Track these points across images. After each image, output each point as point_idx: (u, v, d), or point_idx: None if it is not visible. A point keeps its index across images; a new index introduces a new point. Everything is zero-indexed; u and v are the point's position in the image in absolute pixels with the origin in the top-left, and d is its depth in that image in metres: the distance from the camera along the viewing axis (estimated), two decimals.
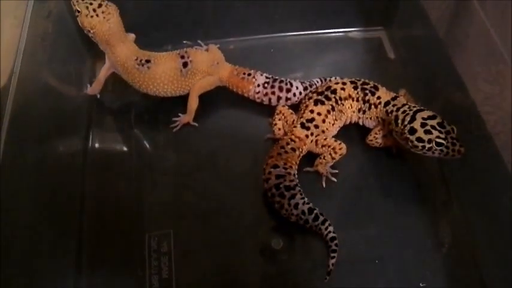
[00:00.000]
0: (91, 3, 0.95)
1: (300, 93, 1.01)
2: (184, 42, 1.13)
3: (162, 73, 0.97)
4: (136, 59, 0.97)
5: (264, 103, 1.02)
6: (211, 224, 0.90)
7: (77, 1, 0.95)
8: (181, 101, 1.01)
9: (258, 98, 1.02)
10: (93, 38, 0.98)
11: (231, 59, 1.05)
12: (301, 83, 1.02)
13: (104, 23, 0.95)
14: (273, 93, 1.01)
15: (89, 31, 0.96)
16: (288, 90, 1.01)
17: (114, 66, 1.00)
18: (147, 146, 1.01)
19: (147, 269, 0.84)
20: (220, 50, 1.06)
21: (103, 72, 1.02)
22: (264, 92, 1.01)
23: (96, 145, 1.01)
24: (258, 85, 1.01)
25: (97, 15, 0.94)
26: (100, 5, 0.95)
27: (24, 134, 0.83)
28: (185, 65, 0.98)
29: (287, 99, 1.01)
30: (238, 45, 1.16)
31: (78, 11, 0.95)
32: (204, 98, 1.02)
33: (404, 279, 0.84)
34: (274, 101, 1.01)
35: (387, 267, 0.85)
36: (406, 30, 1.17)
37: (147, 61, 0.97)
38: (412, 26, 1.14)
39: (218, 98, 1.04)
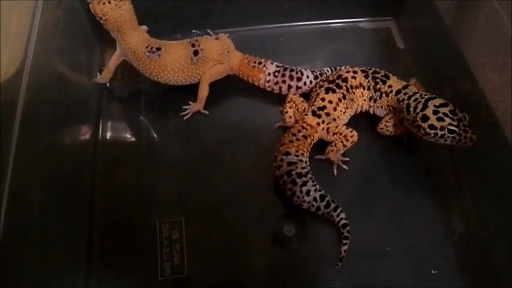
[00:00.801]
0: None
1: (311, 82, 1.01)
2: (194, 31, 1.13)
3: (173, 61, 0.97)
4: (147, 47, 0.97)
5: (275, 92, 1.02)
6: (222, 212, 0.90)
7: None
8: (191, 89, 1.01)
9: (269, 86, 1.02)
10: (105, 25, 0.97)
11: (240, 48, 1.05)
12: (312, 71, 1.02)
13: (116, 9, 0.95)
14: (284, 81, 1.00)
15: (101, 18, 0.96)
16: (299, 79, 1.01)
17: (124, 54, 1.00)
18: (157, 134, 1.01)
19: (158, 256, 0.85)
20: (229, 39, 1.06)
21: (113, 61, 1.02)
22: (275, 81, 1.01)
23: (107, 133, 1.01)
24: (269, 74, 1.01)
25: (109, 2, 0.94)
26: None
27: (37, 122, 0.83)
28: (196, 53, 0.98)
29: (298, 88, 1.01)
30: (247, 34, 1.16)
31: None
32: (214, 86, 1.01)
33: (416, 266, 0.84)
34: (284, 90, 1.01)
35: (398, 255, 0.85)
36: (416, 20, 1.16)
37: (158, 49, 0.97)
38: (421, 16, 1.14)
39: (228, 86, 1.05)
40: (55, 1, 0.99)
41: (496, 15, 0.88)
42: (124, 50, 0.99)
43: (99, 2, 0.94)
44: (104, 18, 0.95)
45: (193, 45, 0.98)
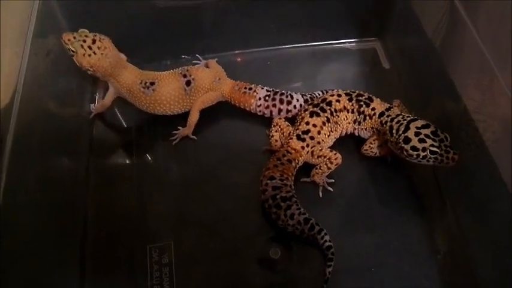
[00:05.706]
0: (84, 41, 0.94)
1: (301, 105, 1.02)
2: (183, 56, 1.15)
3: (167, 94, 0.99)
4: (141, 83, 0.99)
5: (266, 116, 1.04)
6: (211, 236, 0.92)
7: (69, 40, 0.94)
8: (180, 114, 1.03)
9: (260, 111, 1.03)
10: (94, 74, 0.98)
11: (229, 71, 1.07)
12: (302, 95, 1.03)
13: (103, 59, 0.95)
14: (274, 105, 1.02)
15: (88, 70, 0.96)
16: (289, 103, 1.02)
17: (119, 92, 1.02)
18: (148, 158, 1.03)
19: (148, 280, 0.86)
20: (218, 63, 1.08)
21: (109, 98, 1.03)
22: (266, 105, 1.02)
23: (98, 159, 1.03)
24: (259, 98, 1.02)
25: (94, 53, 0.94)
26: (94, 41, 0.94)
27: (27, 150, 0.85)
28: (188, 83, 1.00)
29: (288, 111, 1.03)
30: (235, 57, 1.19)
31: (73, 51, 0.94)
32: (202, 110, 1.03)
33: (401, 286, 0.86)
34: (275, 114, 1.03)
35: (384, 275, 0.87)
36: (400, 40, 1.18)
37: (152, 83, 0.98)
38: (406, 36, 1.15)
39: (216, 110, 1.06)
40: (47, 29, 1.00)
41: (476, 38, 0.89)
42: (118, 89, 1.01)
43: (84, 55, 0.94)
44: (91, 69, 0.95)
45: (184, 76, 1.00)
